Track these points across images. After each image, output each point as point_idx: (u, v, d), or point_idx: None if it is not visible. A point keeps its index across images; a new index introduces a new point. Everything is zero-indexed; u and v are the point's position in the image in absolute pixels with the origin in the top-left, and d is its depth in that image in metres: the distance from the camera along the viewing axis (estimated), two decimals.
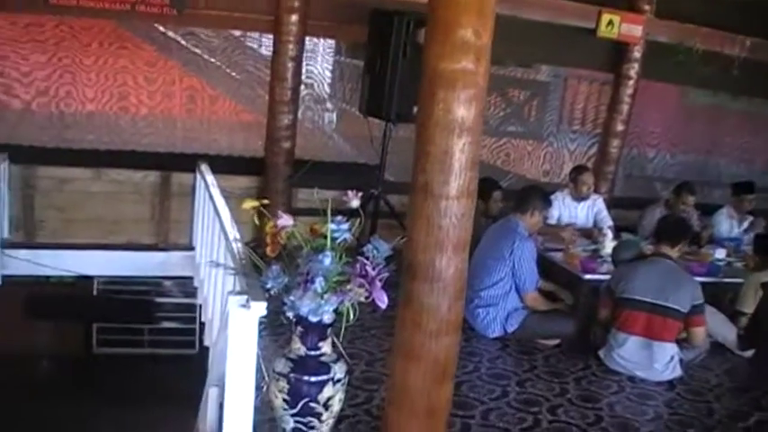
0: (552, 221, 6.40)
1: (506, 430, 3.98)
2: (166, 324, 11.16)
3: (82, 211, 6.66)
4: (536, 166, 8.51)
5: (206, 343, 4.92)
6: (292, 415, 3.25)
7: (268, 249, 3.28)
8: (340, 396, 3.31)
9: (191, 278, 6.18)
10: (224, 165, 6.48)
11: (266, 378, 3.45)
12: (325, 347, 3.27)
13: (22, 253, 5.99)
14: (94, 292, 10.66)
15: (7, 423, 8.48)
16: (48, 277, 7.41)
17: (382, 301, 3.00)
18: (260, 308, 3.03)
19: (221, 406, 3.69)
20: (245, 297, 3.06)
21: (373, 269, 2.96)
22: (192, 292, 9.11)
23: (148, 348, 11.27)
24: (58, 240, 6.55)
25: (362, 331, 4.94)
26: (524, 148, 8.52)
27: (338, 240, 3.16)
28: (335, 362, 3.30)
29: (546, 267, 5.54)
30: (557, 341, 5.23)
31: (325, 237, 3.17)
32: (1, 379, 8.84)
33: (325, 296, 3.04)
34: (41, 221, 6.61)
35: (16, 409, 8.76)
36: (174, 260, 6.27)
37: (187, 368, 10.23)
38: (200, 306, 5.49)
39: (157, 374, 10.37)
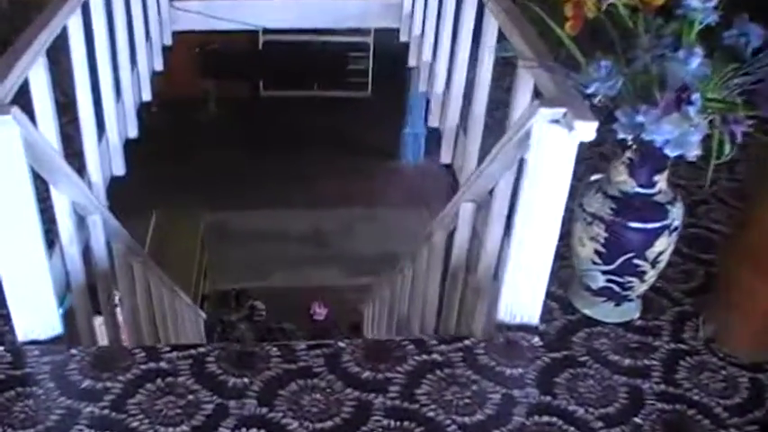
0: None
1: None
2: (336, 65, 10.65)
3: None
4: None
5: (431, 124, 4.07)
6: (605, 272, 2.33)
7: (567, 25, 2.19)
8: (671, 249, 2.34)
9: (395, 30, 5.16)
10: None
11: None
12: (662, 183, 2.25)
13: (193, 4, 5.09)
14: (260, 47, 10.23)
15: (180, 165, 8.57)
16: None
17: None
18: (588, 130, 2.01)
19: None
20: (564, 111, 2.05)
21: None
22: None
23: (317, 91, 11.04)
24: None
25: None
26: None
27: (702, 26, 2.05)
28: (672, 203, 2.29)
29: None
30: None
31: (673, 16, 2.07)
32: (170, 122, 8.82)
33: (696, 119, 1.97)
34: None
35: (187, 151, 8.86)
36: (375, 10, 5.21)
37: (358, 112, 10.04)
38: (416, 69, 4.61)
39: (327, 118, 10.15)
